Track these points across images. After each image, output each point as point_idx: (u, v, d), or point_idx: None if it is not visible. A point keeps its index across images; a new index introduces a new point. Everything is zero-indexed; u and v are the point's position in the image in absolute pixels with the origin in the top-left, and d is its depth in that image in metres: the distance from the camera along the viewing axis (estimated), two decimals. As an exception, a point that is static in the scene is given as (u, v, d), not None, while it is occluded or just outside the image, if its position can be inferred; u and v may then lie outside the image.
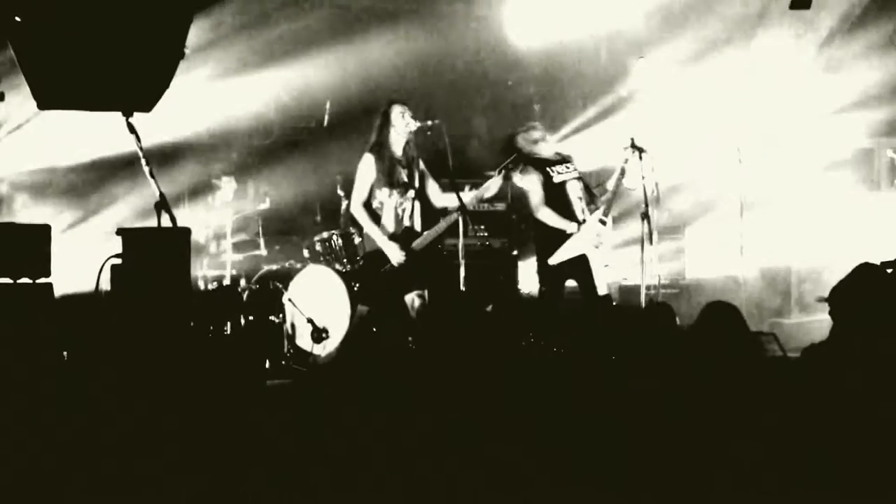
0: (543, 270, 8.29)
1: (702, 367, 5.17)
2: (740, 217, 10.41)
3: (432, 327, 7.85)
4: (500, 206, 10.44)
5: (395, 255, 7.95)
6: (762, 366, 5.39)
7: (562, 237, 8.20)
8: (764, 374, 5.31)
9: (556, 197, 8.28)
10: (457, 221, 7.98)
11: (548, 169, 8.30)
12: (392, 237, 7.99)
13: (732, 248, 10.63)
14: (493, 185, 8.16)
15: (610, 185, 8.38)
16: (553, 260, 8.22)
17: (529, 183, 8.31)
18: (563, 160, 8.45)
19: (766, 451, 4.68)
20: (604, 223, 8.25)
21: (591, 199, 8.43)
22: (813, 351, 5.13)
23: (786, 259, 10.88)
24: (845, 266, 5.35)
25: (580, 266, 8.20)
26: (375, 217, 8.02)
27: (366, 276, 8.14)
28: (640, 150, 8.36)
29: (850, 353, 4.95)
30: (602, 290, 8.21)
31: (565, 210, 8.27)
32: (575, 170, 8.41)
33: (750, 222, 10.69)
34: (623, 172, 8.31)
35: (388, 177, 7.99)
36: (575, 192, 8.36)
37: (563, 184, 8.32)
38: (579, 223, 8.21)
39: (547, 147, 8.46)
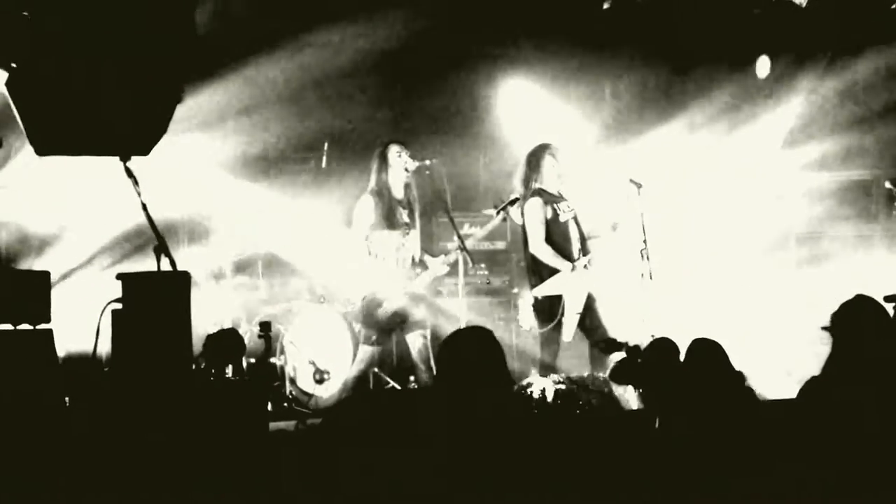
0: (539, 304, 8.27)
1: (691, 399, 5.18)
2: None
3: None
4: (500, 245, 10.42)
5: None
6: (751, 398, 5.38)
7: (553, 273, 8.19)
8: (757, 406, 5.33)
9: (559, 235, 8.27)
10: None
11: (556, 206, 8.30)
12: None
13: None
14: (490, 227, 8.17)
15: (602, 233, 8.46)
16: (536, 292, 8.21)
17: (535, 217, 8.25)
18: (564, 198, 8.44)
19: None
20: (586, 268, 8.26)
21: (583, 243, 8.42)
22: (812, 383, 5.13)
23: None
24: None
25: (558, 305, 8.18)
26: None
27: (367, 316, 8.10)
28: (638, 186, 8.37)
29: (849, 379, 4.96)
30: (567, 338, 8.18)
31: (564, 249, 8.26)
32: (573, 210, 8.41)
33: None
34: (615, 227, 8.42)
35: (388, 219, 7.96)
36: (574, 232, 8.36)
37: (566, 223, 8.32)
38: (573, 264, 8.20)
39: (561, 184, 8.44)
